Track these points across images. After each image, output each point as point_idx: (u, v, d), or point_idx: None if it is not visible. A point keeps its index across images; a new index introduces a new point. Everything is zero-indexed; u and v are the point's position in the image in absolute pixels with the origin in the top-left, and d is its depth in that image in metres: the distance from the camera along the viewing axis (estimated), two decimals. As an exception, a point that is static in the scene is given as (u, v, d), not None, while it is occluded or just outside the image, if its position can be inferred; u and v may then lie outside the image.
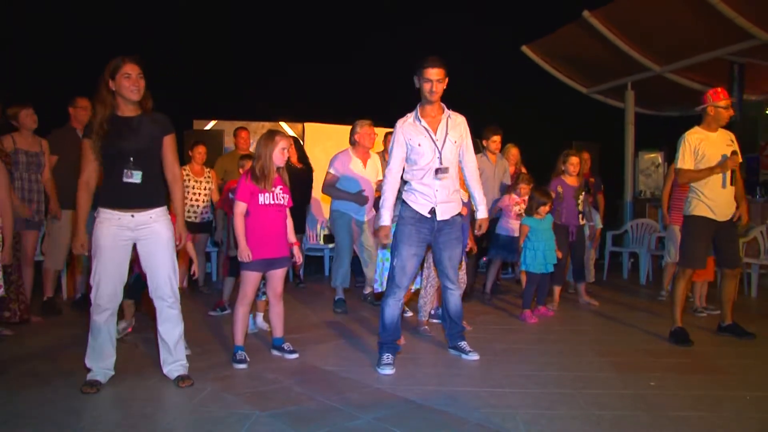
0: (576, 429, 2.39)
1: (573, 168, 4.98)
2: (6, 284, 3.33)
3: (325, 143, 7.79)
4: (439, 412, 2.54)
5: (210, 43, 9.81)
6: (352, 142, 4.83)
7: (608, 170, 8.65)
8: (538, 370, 3.19)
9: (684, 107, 8.48)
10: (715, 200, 3.78)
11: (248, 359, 3.24)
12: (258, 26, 10.63)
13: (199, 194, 5.39)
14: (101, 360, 2.84)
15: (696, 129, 3.87)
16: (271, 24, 10.59)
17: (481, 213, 3.45)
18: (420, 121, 3.23)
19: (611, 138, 8.78)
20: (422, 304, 4.09)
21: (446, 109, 3.29)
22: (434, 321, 4.28)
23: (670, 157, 3.89)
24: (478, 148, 5.63)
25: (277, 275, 3.36)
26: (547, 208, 4.56)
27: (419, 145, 3.19)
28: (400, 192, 3.37)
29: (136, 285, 3.42)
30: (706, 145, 3.78)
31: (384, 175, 3.36)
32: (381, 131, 5.49)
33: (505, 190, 5.32)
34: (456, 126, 3.28)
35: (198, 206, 5.39)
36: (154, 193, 2.87)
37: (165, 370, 2.94)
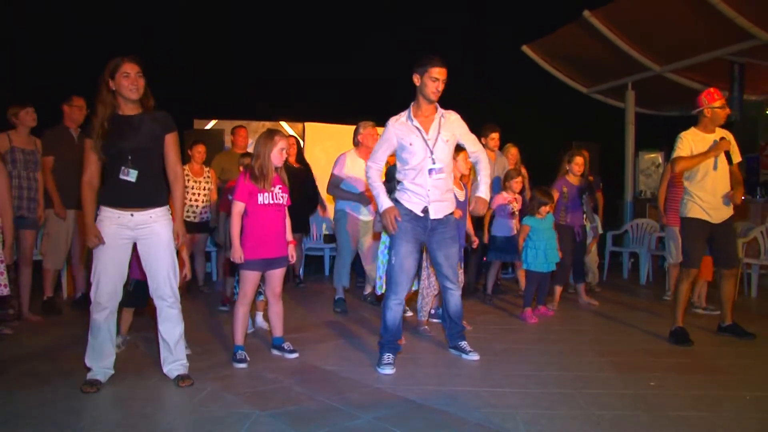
0: (576, 429, 2.39)
1: (578, 168, 4.98)
2: (10, 283, 3.33)
3: (326, 143, 7.80)
4: (439, 412, 2.54)
5: (210, 43, 9.82)
6: (356, 143, 4.84)
7: (608, 170, 8.66)
8: (538, 370, 3.19)
9: (684, 107, 8.45)
10: (710, 202, 3.79)
11: (248, 359, 3.24)
12: (258, 26, 10.63)
13: (198, 194, 5.39)
14: (101, 359, 2.84)
15: (692, 130, 3.87)
16: (271, 24, 10.59)
17: (480, 192, 3.31)
18: (412, 121, 3.22)
19: (611, 138, 8.78)
20: (422, 305, 4.09)
21: (439, 109, 3.27)
22: (434, 321, 4.28)
23: (670, 157, 3.89)
24: None
25: (276, 275, 3.36)
26: (548, 208, 4.56)
27: (411, 144, 3.18)
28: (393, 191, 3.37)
29: (137, 292, 3.37)
30: (702, 146, 3.78)
31: (367, 166, 3.34)
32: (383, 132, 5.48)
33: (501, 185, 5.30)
34: (449, 125, 3.26)
35: (197, 206, 5.39)
36: (154, 192, 2.87)
37: (165, 370, 2.94)
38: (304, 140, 7.90)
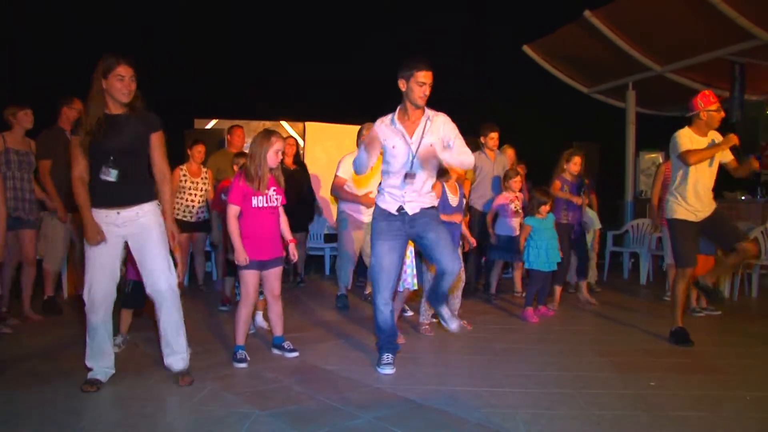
0: (576, 429, 2.39)
1: (575, 167, 4.98)
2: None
3: (326, 143, 7.81)
4: (439, 412, 2.54)
5: (210, 43, 9.82)
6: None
7: (609, 170, 8.66)
8: (538, 370, 3.19)
9: (685, 107, 8.45)
10: (695, 206, 3.79)
11: (248, 358, 3.24)
12: (258, 26, 10.64)
13: (196, 194, 5.39)
14: (101, 359, 2.85)
15: (687, 130, 3.86)
16: (271, 24, 10.60)
17: (444, 152, 3.08)
18: (395, 124, 3.17)
19: (612, 138, 8.78)
20: (424, 309, 4.09)
21: (427, 111, 3.18)
22: (435, 320, 4.28)
23: (667, 157, 3.88)
24: (477, 146, 5.62)
25: (272, 275, 3.35)
26: (547, 207, 4.57)
27: (393, 147, 3.15)
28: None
29: (135, 293, 3.37)
30: (697, 147, 3.78)
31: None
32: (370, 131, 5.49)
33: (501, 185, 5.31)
34: (435, 129, 3.15)
35: (194, 206, 5.39)
36: (139, 189, 2.86)
37: (165, 363, 2.94)
38: (304, 140, 7.91)
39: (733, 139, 3.71)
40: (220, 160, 5.73)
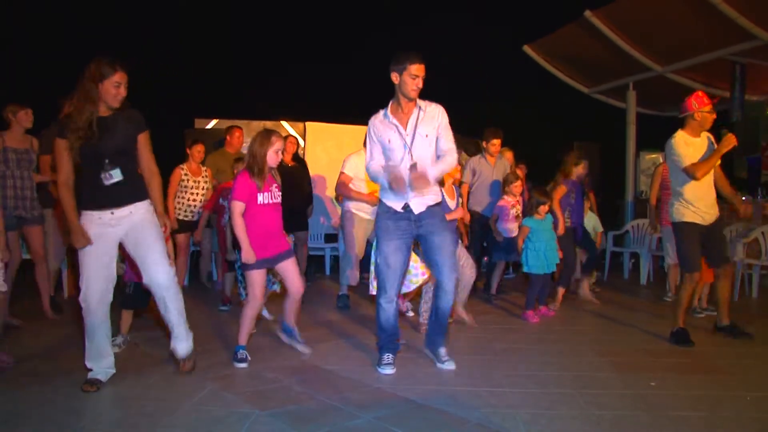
0: (576, 429, 2.39)
1: (582, 171, 5.02)
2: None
3: (326, 143, 7.81)
4: (439, 412, 2.54)
5: (210, 43, 9.83)
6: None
7: (609, 170, 8.67)
8: (538, 370, 3.18)
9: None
10: (702, 208, 3.80)
11: (249, 358, 3.24)
12: (258, 26, 10.64)
13: (197, 194, 5.39)
14: (101, 359, 2.85)
15: (681, 134, 3.85)
16: (271, 24, 10.61)
17: (430, 170, 3.08)
18: (389, 118, 3.17)
19: (612, 138, 8.79)
20: (424, 310, 4.09)
21: (419, 102, 3.17)
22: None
23: (665, 160, 3.88)
24: (478, 149, 5.62)
25: (290, 268, 3.33)
26: (546, 207, 4.56)
27: (389, 141, 3.16)
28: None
29: (137, 293, 3.38)
30: (692, 150, 3.78)
31: (366, 165, 3.29)
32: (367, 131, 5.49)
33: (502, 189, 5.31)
34: (429, 119, 3.16)
35: (195, 205, 5.39)
36: (132, 188, 2.87)
37: (171, 346, 3.05)
38: (305, 140, 7.91)
39: (732, 140, 3.71)
40: (218, 160, 5.72)
